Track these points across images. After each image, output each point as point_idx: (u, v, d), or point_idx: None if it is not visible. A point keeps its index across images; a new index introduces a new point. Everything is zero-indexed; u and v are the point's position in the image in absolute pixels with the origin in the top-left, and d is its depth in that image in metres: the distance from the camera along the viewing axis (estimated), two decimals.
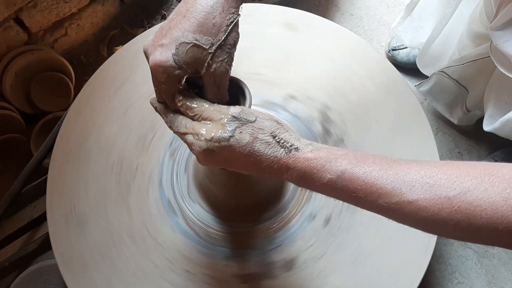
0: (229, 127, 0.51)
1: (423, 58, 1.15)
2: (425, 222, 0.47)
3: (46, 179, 0.97)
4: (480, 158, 1.23)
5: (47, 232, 0.92)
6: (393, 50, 1.30)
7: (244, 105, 0.60)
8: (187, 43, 0.52)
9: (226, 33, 0.53)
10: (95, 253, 0.88)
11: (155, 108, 0.60)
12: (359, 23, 1.41)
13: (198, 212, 0.89)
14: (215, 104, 0.55)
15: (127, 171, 0.94)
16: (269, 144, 0.51)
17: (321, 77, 1.00)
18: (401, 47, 1.29)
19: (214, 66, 0.53)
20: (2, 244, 1.17)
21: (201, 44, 0.52)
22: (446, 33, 1.06)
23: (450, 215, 0.45)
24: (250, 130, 0.52)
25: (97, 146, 0.96)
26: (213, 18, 0.53)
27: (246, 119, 0.52)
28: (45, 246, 1.21)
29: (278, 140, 0.52)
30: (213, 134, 0.51)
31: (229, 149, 0.52)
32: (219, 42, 0.53)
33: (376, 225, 0.87)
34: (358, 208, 0.53)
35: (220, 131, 0.51)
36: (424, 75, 1.21)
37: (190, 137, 0.53)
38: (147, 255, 0.88)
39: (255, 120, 0.52)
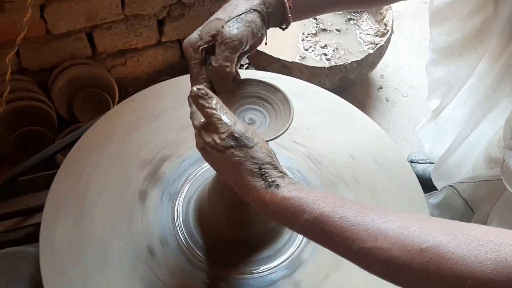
0: (225, 144, 0.56)
1: (438, 171, 1.20)
2: (395, 272, 0.48)
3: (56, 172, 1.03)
4: None
5: (39, 223, 0.94)
6: (411, 162, 1.36)
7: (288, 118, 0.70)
8: (210, 21, 0.64)
9: (243, 12, 0.63)
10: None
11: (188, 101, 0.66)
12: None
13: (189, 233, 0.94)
14: (225, 113, 0.59)
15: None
16: (253, 174, 0.55)
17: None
18: (420, 161, 1.36)
19: (226, 29, 0.61)
20: None
21: (220, 18, 0.63)
22: (464, 151, 1.13)
23: (421, 265, 0.46)
24: (242, 154, 0.56)
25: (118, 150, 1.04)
26: (236, 5, 0.64)
27: (244, 143, 0.57)
28: (31, 237, 1.21)
29: (263, 172, 0.55)
30: (209, 140, 0.57)
31: (219, 159, 0.57)
32: (235, 16, 0.62)
33: None
34: None
35: (217, 141, 0.56)
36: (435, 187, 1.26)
37: (196, 131, 0.60)
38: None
39: (252, 147, 0.57)
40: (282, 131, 0.70)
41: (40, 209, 1.19)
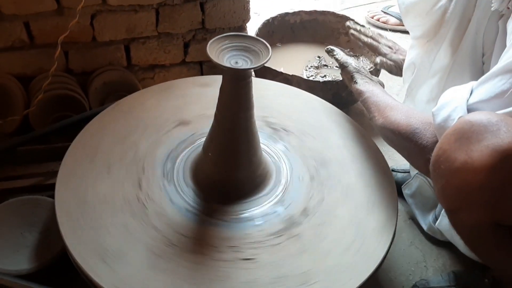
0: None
1: None
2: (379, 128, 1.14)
3: None
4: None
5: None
6: (392, 170, 1.50)
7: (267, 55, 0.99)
8: None
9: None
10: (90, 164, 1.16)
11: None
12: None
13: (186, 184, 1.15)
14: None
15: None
16: (350, 77, 1.30)
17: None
18: (400, 170, 1.50)
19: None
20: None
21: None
22: None
23: (385, 125, 1.08)
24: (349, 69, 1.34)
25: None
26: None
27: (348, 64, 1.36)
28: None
29: (353, 76, 1.29)
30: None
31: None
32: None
33: None
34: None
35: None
36: None
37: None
38: (127, 186, 1.10)
39: (347, 66, 1.35)
40: (263, 63, 0.94)
41: None
